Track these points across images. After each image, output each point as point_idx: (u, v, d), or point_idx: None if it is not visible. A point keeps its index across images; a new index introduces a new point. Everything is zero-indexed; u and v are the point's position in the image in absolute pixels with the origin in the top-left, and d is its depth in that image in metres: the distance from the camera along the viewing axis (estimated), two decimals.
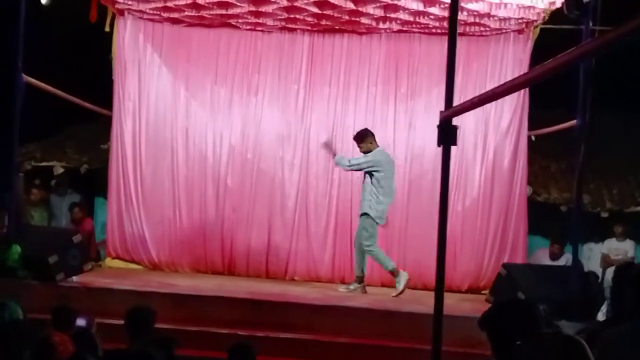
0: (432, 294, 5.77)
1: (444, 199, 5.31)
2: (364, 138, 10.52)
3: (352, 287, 10.59)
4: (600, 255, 12.58)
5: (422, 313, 8.52)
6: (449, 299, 7.53)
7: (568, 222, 10.20)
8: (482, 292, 10.80)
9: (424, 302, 9.06)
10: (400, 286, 10.32)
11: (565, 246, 11.52)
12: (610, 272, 11.76)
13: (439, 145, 5.26)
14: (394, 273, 10.47)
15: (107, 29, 11.61)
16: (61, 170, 13.71)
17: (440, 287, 5.37)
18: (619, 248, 12.44)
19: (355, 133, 10.75)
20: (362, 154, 10.52)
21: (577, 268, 9.43)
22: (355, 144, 10.61)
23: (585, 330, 5.60)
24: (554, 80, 3.88)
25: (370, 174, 10.40)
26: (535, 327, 3.66)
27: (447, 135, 5.20)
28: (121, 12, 11.75)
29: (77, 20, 11.63)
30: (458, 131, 5.34)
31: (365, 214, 10.44)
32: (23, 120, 9.61)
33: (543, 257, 12.01)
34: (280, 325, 8.72)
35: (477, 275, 11.43)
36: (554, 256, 11.91)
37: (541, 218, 12.39)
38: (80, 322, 6.34)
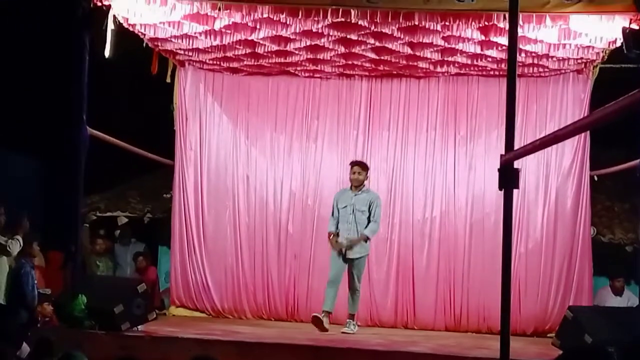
0: (497, 337, 5.70)
1: (508, 243, 5.27)
2: (367, 171, 10.64)
3: (353, 326, 10.47)
4: None
5: (488, 357, 8.41)
6: (515, 343, 7.44)
7: (634, 262, 10.04)
8: (548, 335, 10.63)
9: (490, 346, 8.96)
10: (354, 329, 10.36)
11: (628, 282, 11.42)
12: None
13: (500, 189, 5.23)
14: (354, 316, 10.51)
15: (168, 80, 11.79)
16: (125, 220, 13.88)
17: (505, 331, 5.31)
18: None
19: (361, 161, 10.83)
20: (364, 188, 10.54)
21: None
22: (358, 168, 10.54)
23: None
24: (615, 120, 3.86)
25: (364, 212, 10.43)
26: None
27: (508, 179, 5.17)
28: (182, 63, 11.93)
29: (138, 72, 11.85)
30: (520, 174, 5.31)
31: (365, 255, 10.52)
32: (87, 172, 9.75)
33: (606, 295, 11.85)
34: None
35: (543, 318, 11.28)
36: (618, 291, 11.83)
37: (606, 259, 12.21)
38: None
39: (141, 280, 10.67)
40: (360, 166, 10.58)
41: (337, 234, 10.50)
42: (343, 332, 10.27)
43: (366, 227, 10.41)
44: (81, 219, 10.44)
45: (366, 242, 10.45)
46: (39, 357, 6.55)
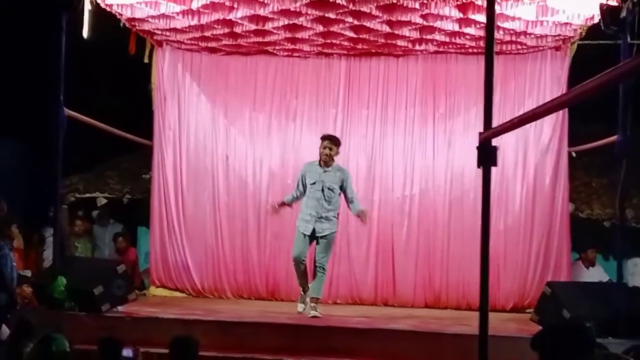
0: (476, 314, 5.74)
1: (486, 220, 5.29)
2: (339, 146, 10.27)
3: (319, 311, 10.03)
4: None
5: (467, 334, 8.46)
6: (494, 319, 7.51)
7: (612, 237, 10.10)
8: (527, 310, 10.70)
9: (469, 323, 9.01)
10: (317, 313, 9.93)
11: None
12: None
13: (478, 166, 5.25)
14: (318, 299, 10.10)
15: (146, 60, 11.74)
16: (104, 201, 13.84)
17: (484, 308, 5.34)
18: None
19: (332, 135, 10.48)
20: (334, 164, 10.14)
21: (622, 284, 9.34)
22: (328, 143, 10.12)
23: (634, 349, 5.55)
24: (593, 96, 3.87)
25: (334, 190, 10.08)
26: (588, 349, 3.66)
27: (486, 156, 5.18)
28: (159, 43, 11.88)
29: (116, 53, 11.79)
30: (498, 152, 5.33)
31: (334, 232, 10.19)
32: (65, 153, 9.72)
33: (580, 268, 11.98)
34: (324, 350, 8.68)
35: (521, 294, 11.35)
36: (592, 262, 12.10)
37: (584, 234, 12.29)
38: (126, 352, 6.38)
39: (121, 261, 10.67)
40: (330, 140, 10.17)
41: (285, 205, 10.33)
42: (311, 317, 9.81)
43: (337, 205, 10.19)
44: (60, 200, 10.38)
45: (336, 218, 10.18)
46: (19, 338, 6.53)
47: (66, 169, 10.28)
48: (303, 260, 10.15)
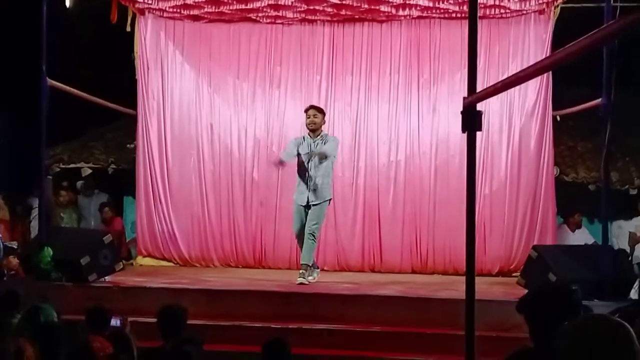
0: (463, 279, 5.76)
1: (471, 185, 5.28)
2: (324, 115, 10.35)
3: (315, 275, 10.27)
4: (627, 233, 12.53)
5: (454, 299, 8.52)
6: (481, 283, 7.51)
7: (597, 201, 10.15)
8: (513, 274, 10.76)
9: (456, 287, 9.07)
10: (313, 278, 10.12)
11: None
12: (639, 249, 11.74)
13: (463, 131, 5.22)
14: (312, 266, 10.19)
15: (128, 28, 11.67)
16: (89, 171, 13.79)
17: (471, 272, 5.34)
18: None
19: (315, 105, 10.51)
20: (322, 134, 10.21)
21: (607, 247, 9.39)
22: (313, 111, 10.18)
23: (619, 310, 5.59)
24: (577, 59, 3.86)
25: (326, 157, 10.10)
26: (574, 311, 3.68)
27: (471, 121, 5.16)
28: (141, 12, 11.81)
29: (98, 22, 11.71)
30: (482, 116, 5.32)
31: (328, 200, 10.24)
32: (49, 124, 9.67)
33: (565, 233, 12.04)
34: (312, 317, 8.73)
35: (508, 258, 11.41)
36: (578, 226, 12.15)
37: (569, 198, 12.34)
38: (114, 322, 6.39)
39: (107, 232, 10.67)
40: (315, 109, 10.24)
41: (283, 163, 10.35)
42: (299, 284, 9.87)
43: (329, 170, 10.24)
44: (44, 170, 10.34)
45: (325, 159, 10.06)
46: (6, 310, 6.53)
47: (50, 139, 10.24)
48: (304, 234, 10.18)
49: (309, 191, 10.11)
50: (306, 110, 10.35)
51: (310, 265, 10.10)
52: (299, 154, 10.17)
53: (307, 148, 10.15)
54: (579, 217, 12.25)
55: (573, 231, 12.11)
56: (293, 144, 10.29)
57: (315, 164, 10.10)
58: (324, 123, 10.38)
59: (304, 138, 10.31)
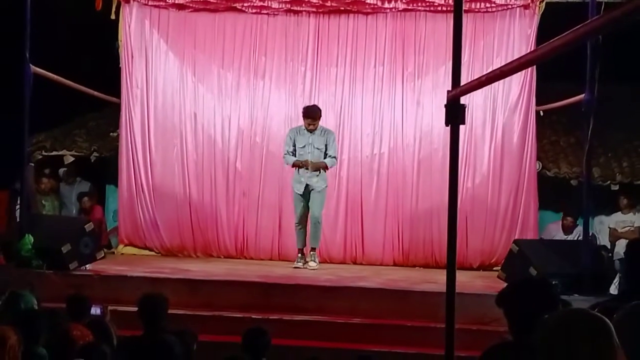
0: (444, 271, 5.78)
1: (454, 179, 5.30)
2: (320, 114, 10.71)
3: (317, 261, 10.74)
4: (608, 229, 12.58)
5: (435, 291, 8.56)
6: (461, 277, 7.57)
7: (579, 196, 10.19)
8: (494, 268, 10.79)
9: (437, 280, 9.10)
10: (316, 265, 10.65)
11: (578, 219, 11.51)
12: (619, 245, 11.77)
13: (446, 125, 5.24)
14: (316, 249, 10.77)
15: (112, 16, 11.62)
16: (71, 159, 13.73)
17: (452, 265, 5.37)
18: (626, 220, 12.41)
19: (313, 108, 10.79)
20: (320, 127, 10.66)
21: (588, 242, 9.43)
22: (311, 120, 10.58)
23: (598, 305, 5.61)
24: (561, 54, 3.87)
25: (322, 149, 10.63)
26: (553, 305, 3.70)
27: (455, 114, 5.18)
28: (126, 0, 11.76)
29: (82, 9, 11.64)
30: (466, 110, 5.34)
31: (325, 187, 10.69)
32: (32, 111, 9.62)
33: (555, 231, 12.00)
34: (293, 308, 8.75)
35: (489, 251, 11.44)
36: (567, 229, 11.88)
37: (551, 193, 12.38)
38: (94, 310, 6.39)
39: (88, 220, 10.62)
40: (313, 118, 10.60)
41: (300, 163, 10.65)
42: (311, 269, 10.49)
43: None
44: (27, 158, 10.30)
45: (325, 170, 10.66)
46: None
47: (33, 126, 10.18)
48: (305, 223, 10.66)
49: (308, 179, 10.53)
50: (304, 115, 10.69)
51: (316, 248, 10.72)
52: (294, 147, 10.62)
53: (305, 140, 10.60)
54: (571, 221, 11.90)
55: (565, 234, 11.97)
56: (289, 138, 10.72)
57: (316, 156, 10.52)
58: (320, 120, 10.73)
59: (298, 131, 10.69)
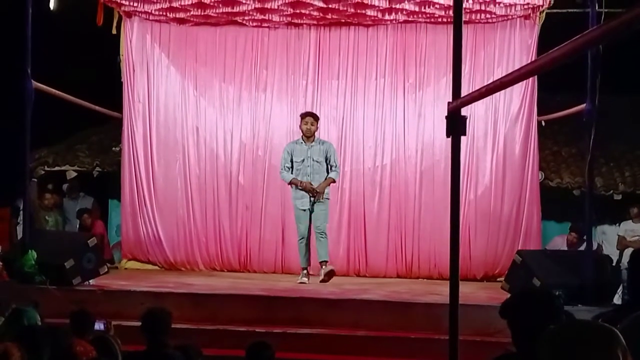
0: (447, 283, 5.77)
1: (456, 190, 5.30)
2: (318, 121, 10.70)
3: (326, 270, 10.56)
4: (616, 237, 12.55)
5: (438, 303, 8.53)
6: (465, 288, 7.54)
7: (581, 206, 10.18)
8: (498, 279, 10.79)
9: (440, 292, 9.09)
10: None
11: (583, 235, 11.35)
12: (626, 254, 11.73)
13: (448, 136, 5.24)
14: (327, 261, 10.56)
15: (114, 31, 11.64)
16: (74, 174, 13.75)
17: (454, 277, 5.36)
18: (635, 230, 12.40)
19: (312, 112, 10.86)
20: (316, 139, 10.58)
21: (591, 252, 9.42)
22: (310, 119, 10.55)
23: (602, 315, 5.60)
24: (561, 65, 3.88)
25: (321, 162, 10.52)
26: (556, 316, 3.68)
27: (456, 126, 5.17)
28: (128, 14, 11.79)
29: (83, 24, 11.67)
30: (467, 121, 5.34)
31: (327, 199, 10.59)
32: (34, 126, 9.62)
33: (561, 245, 11.93)
34: (296, 321, 8.72)
35: (492, 262, 11.43)
36: (572, 245, 11.63)
37: (554, 203, 12.37)
38: (98, 326, 6.37)
39: (92, 235, 10.61)
40: (312, 117, 10.56)
41: (298, 181, 10.52)
42: (322, 281, 10.35)
43: (327, 174, 10.51)
44: (29, 173, 10.30)
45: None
46: None
47: (35, 142, 10.19)
48: (309, 237, 10.54)
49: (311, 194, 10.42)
50: (303, 116, 10.60)
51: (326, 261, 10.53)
52: (292, 161, 10.51)
53: (304, 153, 10.47)
54: (575, 237, 11.60)
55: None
56: (286, 153, 10.59)
57: (315, 169, 10.44)
58: (317, 129, 10.63)
59: (296, 142, 10.61)
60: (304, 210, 10.46)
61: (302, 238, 10.57)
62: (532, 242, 11.27)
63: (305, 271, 10.59)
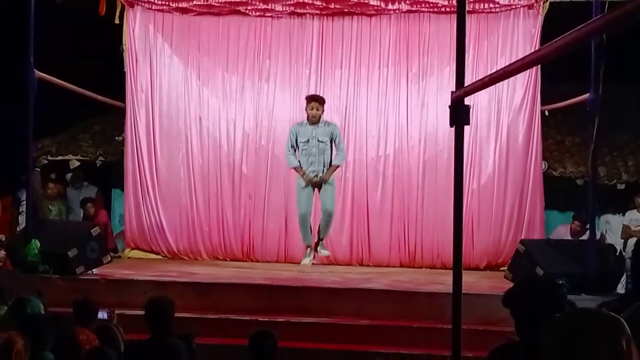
0: (450, 272, 5.77)
1: (459, 179, 5.30)
2: (324, 104, 10.59)
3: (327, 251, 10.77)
4: (620, 226, 12.53)
5: (441, 292, 8.54)
6: (468, 277, 7.56)
7: (584, 195, 10.17)
8: (501, 268, 10.78)
9: (443, 281, 9.08)
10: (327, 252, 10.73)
11: (587, 224, 11.32)
12: (630, 243, 11.72)
13: (451, 125, 5.24)
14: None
15: (116, 21, 11.64)
16: (77, 163, 13.74)
17: (458, 266, 5.36)
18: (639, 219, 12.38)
19: (317, 95, 10.78)
20: (323, 121, 10.52)
21: (594, 241, 9.41)
22: (316, 103, 10.45)
23: (605, 305, 5.61)
24: (564, 54, 3.87)
25: (326, 142, 10.44)
26: (560, 305, 3.68)
27: (459, 115, 5.17)
28: (130, 4, 11.78)
29: (86, 14, 11.66)
30: (470, 111, 5.33)
31: (334, 180, 10.60)
32: (37, 116, 9.62)
33: (565, 233, 11.91)
34: (300, 310, 8.72)
35: (495, 252, 11.44)
36: (575, 234, 11.57)
37: (557, 192, 12.36)
38: (101, 315, 6.38)
39: (95, 224, 10.62)
40: (318, 102, 10.45)
41: (301, 169, 10.50)
42: (325, 255, 10.66)
43: (331, 157, 10.44)
44: (32, 163, 10.30)
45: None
46: None
47: (38, 131, 10.20)
48: (309, 215, 10.55)
49: (318, 173, 10.36)
50: (308, 101, 10.50)
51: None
52: (297, 143, 10.44)
53: (309, 134, 10.38)
54: (578, 225, 11.55)
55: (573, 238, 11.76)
56: (292, 134, 10.52)
57: (321, 149, 10.36)
58: (323, 112, 10.54)
59: (301, 124, 10.56)
60: (304, 188, 10.42)
61: (303, 215, 10.52)
62: (535, 232, 11.28)
63: (308, 249, 10.62)
